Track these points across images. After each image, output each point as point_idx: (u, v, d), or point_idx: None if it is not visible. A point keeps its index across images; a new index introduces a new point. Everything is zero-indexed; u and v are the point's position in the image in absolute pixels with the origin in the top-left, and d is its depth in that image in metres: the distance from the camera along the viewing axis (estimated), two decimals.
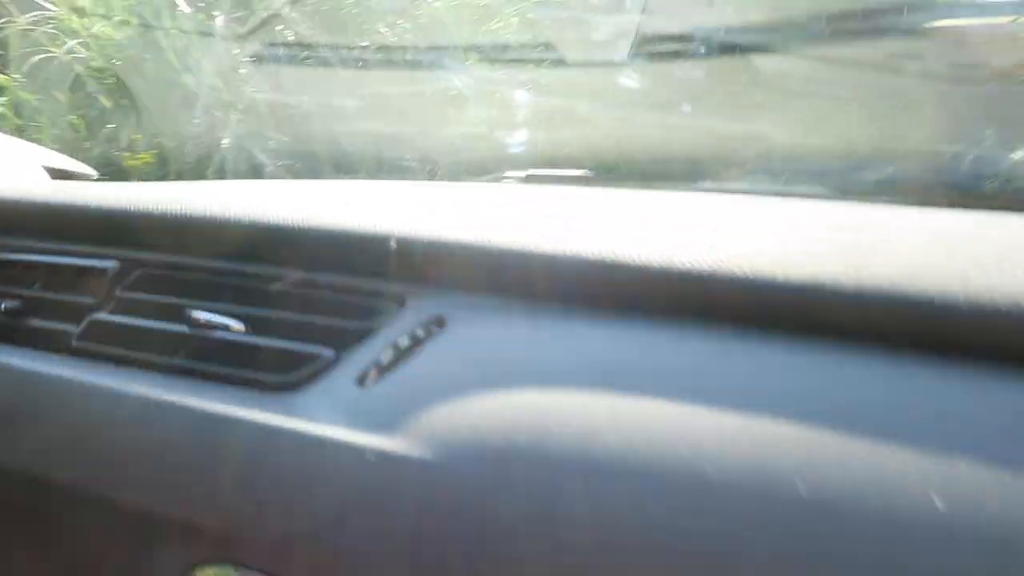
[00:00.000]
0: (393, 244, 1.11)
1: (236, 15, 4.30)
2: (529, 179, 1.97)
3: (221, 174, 3.97)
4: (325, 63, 3.86)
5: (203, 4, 4.39)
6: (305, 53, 3.90)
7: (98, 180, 2.01)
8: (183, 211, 1.31)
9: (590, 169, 1.97)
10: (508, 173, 2.03)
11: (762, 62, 3.98)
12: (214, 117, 4.14)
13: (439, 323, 1.05)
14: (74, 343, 1.33)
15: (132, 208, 1.37)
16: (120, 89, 4.38)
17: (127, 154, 4.21)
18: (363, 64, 3.83)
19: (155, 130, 4.28)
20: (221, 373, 1.16)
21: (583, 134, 3.67)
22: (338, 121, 3.97)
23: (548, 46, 3.48)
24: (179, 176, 3.95)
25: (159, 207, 1.34)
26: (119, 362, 1.26)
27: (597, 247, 1.00)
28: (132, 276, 1.35)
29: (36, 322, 1.42)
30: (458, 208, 1.44)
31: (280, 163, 3.85)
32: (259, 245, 1.24)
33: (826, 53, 3.96)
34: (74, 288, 1.41)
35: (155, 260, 1.35)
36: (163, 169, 4.01)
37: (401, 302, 1.10)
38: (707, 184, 2.07)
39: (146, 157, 4.06)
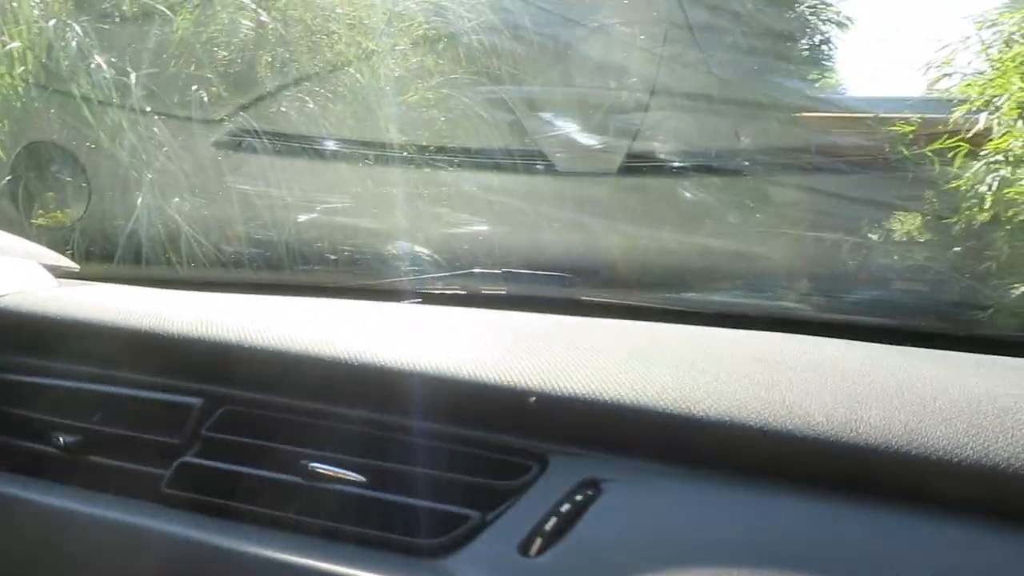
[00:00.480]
0: (534, 400, 1.06)
1: (200, 100, 4.17)
2: (505, 276, 1.96)
3: (178, 260, 3.70)
4: (305, 155, 3.82)
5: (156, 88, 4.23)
6: (281, 144, 3.82)
7: (113, 280, 1.85)
8: (285, 347, 1.21)
9: (571, 272, 1.96)
10: (479, 269, 2.05)
11: (744, 184, 4.29)
12: (166, 201, 3.94)
13: (593, 486, 1.01)
14: (164, 489, 1.20)
15: (218, 339, 1.25)
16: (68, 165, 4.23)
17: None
18: (343, 158, 3.79)
19: (101, 212, 3.98)
20: (349, 532, 1.06)
21: (567, 238, 3.72)
22: (313, 215, 3.88)
23: (540, 155, 3.59)
24: (127, 260, 3.65)
25: (253, 340, 1.23)
26: (219, 513, 1.15)
27: (750, 411, 0.99)
28: (217, 414, 1.24)
29: (102, 460, 1.27)
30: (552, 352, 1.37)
31: (242, 252, 3.71)
32: (373, 390, 1.16)
33: (811, 181, 4.28)
34: (148, 424, 1.27)
35: (244, 398, 1.24)
36: (109, 253, 3.67)
37: (543, 461, 1.05)
38: (689, 297, 2.09)
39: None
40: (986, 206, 5.14)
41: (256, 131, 3.76)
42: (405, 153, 3.76)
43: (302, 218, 3.80)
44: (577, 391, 1.07)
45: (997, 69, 4.89)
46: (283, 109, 4.15)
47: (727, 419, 1.00)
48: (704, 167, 3.67)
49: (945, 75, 5.96)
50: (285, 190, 3.85)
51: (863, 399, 1.02)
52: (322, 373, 1.19)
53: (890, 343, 1.44)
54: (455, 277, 2.13)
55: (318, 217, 3.82)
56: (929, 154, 6.11)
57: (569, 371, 1.11)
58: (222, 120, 4.01)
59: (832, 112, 8.87)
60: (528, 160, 3.65)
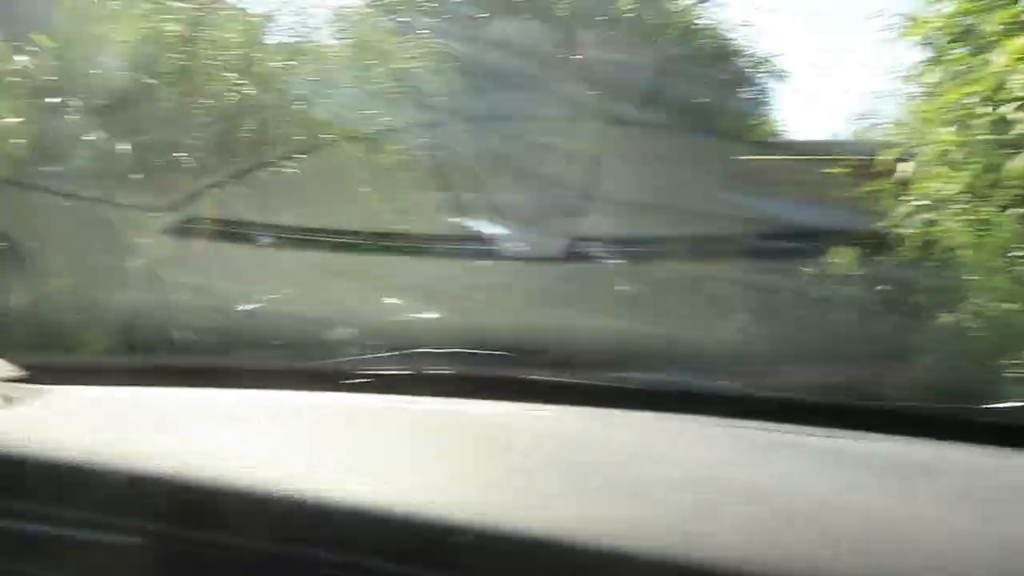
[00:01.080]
0: (474, 539, 1.09)
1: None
2: (453, 357, 1.96)
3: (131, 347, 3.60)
4: (253, 242, 3.76)
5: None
6: (228, 231, 3.72)
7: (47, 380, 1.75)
8: (207, 484, 1.18)
9: (516, 352, 1.98)
10: (428, 349, 2.04)
11: (684, 268, 4.22)
12: (111, 287, 3.99)
13: None
14: None
15: (149, 473, 1.22)
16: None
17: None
18: (288, 243, 3.76)
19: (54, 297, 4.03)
20: None
21: (513, 320, 3.68)
22: (260, 300, 3.87)
23: (482, 238, 3.71)
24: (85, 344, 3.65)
25: (190, 477, 1.20)
26: None
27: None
28: (158, 555, 1.21)
29: None
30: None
31: (190, 338, 3.52)
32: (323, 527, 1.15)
33: (754, 265, 4.43)
34: (83, 567, 1.25)
35: (184, 537, 1.21)
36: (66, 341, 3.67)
37: None
38: (633, 377, 2.04)
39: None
40: (914, 245, 5.54)
41: (204, 218, 3.72)
42: (352, 239, 3.76)
43: (249, 303, 3.79)
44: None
45: (919, 119, 5.29)
46: (231, 197, 4.15)
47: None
48: (645, 253, 3.78)
49: (875, 124, 6.42)
50: (232, 276, 3.85)
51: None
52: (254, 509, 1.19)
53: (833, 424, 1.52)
54: (403, 357, 2.05)
55: (265, 303, 3.81)
56: (862, 195, 6.56)
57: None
58: (169, 208, 3.98)
59: (775, 155, 9.37)
60: (473, 245, 3.75)
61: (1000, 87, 3.98)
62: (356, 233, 3.89)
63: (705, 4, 7.46)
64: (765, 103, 8.75)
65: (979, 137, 4.24)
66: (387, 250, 3.74)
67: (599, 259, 3.76)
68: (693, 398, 1.75)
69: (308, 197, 4.39)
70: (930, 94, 5.29)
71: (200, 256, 3.90)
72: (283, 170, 4.47)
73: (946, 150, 4.64)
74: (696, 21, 7.15)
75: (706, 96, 6.86)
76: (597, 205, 4.74)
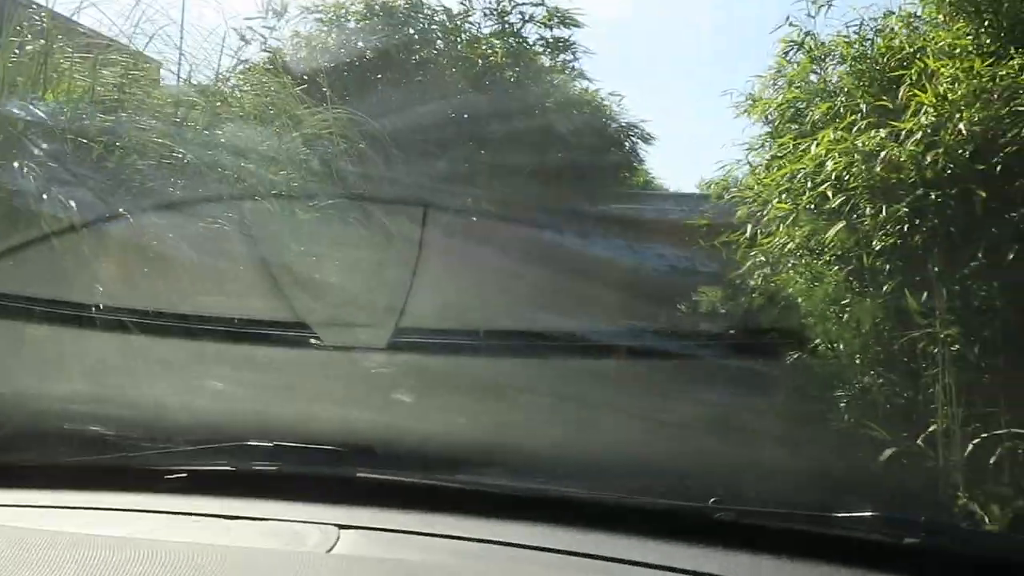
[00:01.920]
0: None
1: None
2: (276, 449, 1.91)
3: None
4: (48, 320, 3.39)
5: None
6: (17, 307, 3.33)
7: None
8: None
9: (340, 446, 1.94)
10: (253, 442, 1.95)
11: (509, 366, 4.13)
12: None
13: None
14: None
15: None
16: None
17: None
18: (91, 324, 3.38)
19: None
20: None
21: (334, 412, 3.60)
22: (57, 386, 3.49)
23: (305, 326, 3.48)
24: None
25: None
26: None
27: None
28: None
29: None
30: None
31: None
32: None
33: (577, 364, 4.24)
34: None
35: None
36: None
37: None
38: (459, 477, 2.03)
39: None
40: (754, 298, 6.41)
41: None
42: (164, 322, 3.48)
43: (41, 390, 3.37)
44: None
45: (761, 186, 6.14)
46: (21, 269, 3.75)
47: None
48: (473, 345, 3.73)
49: (725, 188, 7.30)
50: (21, 360, 3.52)
51: None
52: None
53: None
54: (223, 451, 1.96)
55: (63, 389, 3.40)
56: (718, 246, 7.43)
57: None
58: None
59: (643, 208, 10.22)
60: (293, 332, 3.52)
61: (820, 167, 4.83)
62: (166, 315, 3.61)
63: (581, 80, 8.36)
64: (634, 163, 9.65)
65: (805, 207, 5.08)
66: (200, 334, 3.49)
67: (426, 350, 3.62)
68: (521, 502, 1.73)
69: (114, 273, 4.02)
70: (768, 166, 6.13)
71: None
72: (85, 241, 4.01)
73: (783, 215, 5.48)
74: (573, 95, 7.97)
75: (583, 158, 7.62)
76: (425, 293, 4.48)
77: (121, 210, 4.04)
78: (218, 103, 4.83)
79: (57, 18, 5.46)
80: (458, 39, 7.70)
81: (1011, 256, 4.05)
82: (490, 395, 4.22)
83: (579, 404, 4.35)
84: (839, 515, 1.62)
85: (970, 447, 4.14)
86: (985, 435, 4.10)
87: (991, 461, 4.10)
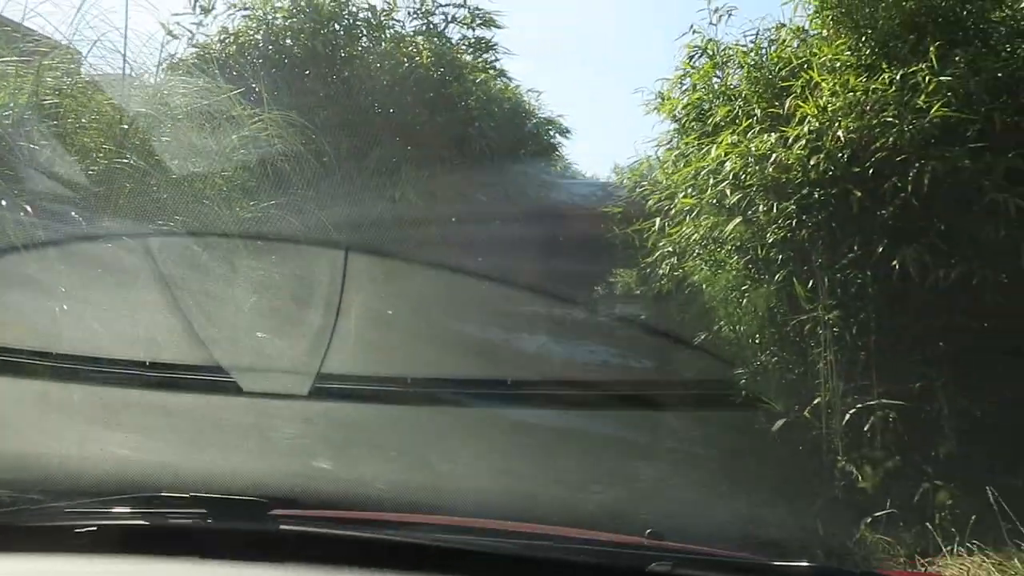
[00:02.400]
0: None
1: None
2: (194, 500, 1.83)
3: None
4: None
5: None
6: None
7: None
8: None
9: (261, 496, 1.87)
10: (168, 494, 1.88)
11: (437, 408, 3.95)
12: None
13: None
14: None
15: None
16: None
17: None
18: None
19: None
20: None
21: (258, 462, 3.51)
22: None
23: (222, 370, 3.27)
24: None
25: None
26: None
27: None
28: None
29: None
30: None
31: None
32: None
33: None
34: None
35: None
36: None
37: None
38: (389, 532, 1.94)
39: None
40: (666, 284, 6.93)
41: None
42: (67, 365, 3.27)
43: None
44: None
45: (669, 181, 6.64)
46: None
47: None
48: (398, 393, 3.57)
49: (638, 180, 7.78)
50: None
51: None
52: None
53: None
54: (138, 503, 1.86)
55: None
56: (632, 234, 7.93)
57: None
58: None
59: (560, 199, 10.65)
60: (210, 378, 3.33)
61: (720, 167, 5.34)
62: (68, 357, 3.39)
63: (503, 78, 8.76)
64: (553, 153, 10.11)
65: (708, 202, 5.59)
66: (112, 379, 3.29)
67: (351, 398, 3.46)
68: (449, 554, 1.71)
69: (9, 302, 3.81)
70: (675, 162, 6.63)
71: None
72: None
73: (688, 208, 5.99)
74: (495, 92, 8.36)
75: (503, 149, 8.02)
76: (346, 341, 4.40)
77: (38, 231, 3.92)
78: (159, 107, 4.99)
79: (4, 22, 5.57)
80: (382, 36, 7.99)
81: (880, 249, 4.62)
82: (414, 444, 4.15)
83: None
84: (776, 564, 1.72)
85: (847, 416, 4.73)
86: (860, 406, 4.69)
87: (865, 428, 4.69)
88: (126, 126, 4.82)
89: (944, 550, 3.88)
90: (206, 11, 7.30)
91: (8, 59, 4.88)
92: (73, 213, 4.40)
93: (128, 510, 1.84)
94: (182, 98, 5.32)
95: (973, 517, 3.83)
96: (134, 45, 5.89)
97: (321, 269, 4.85)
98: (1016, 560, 3.66)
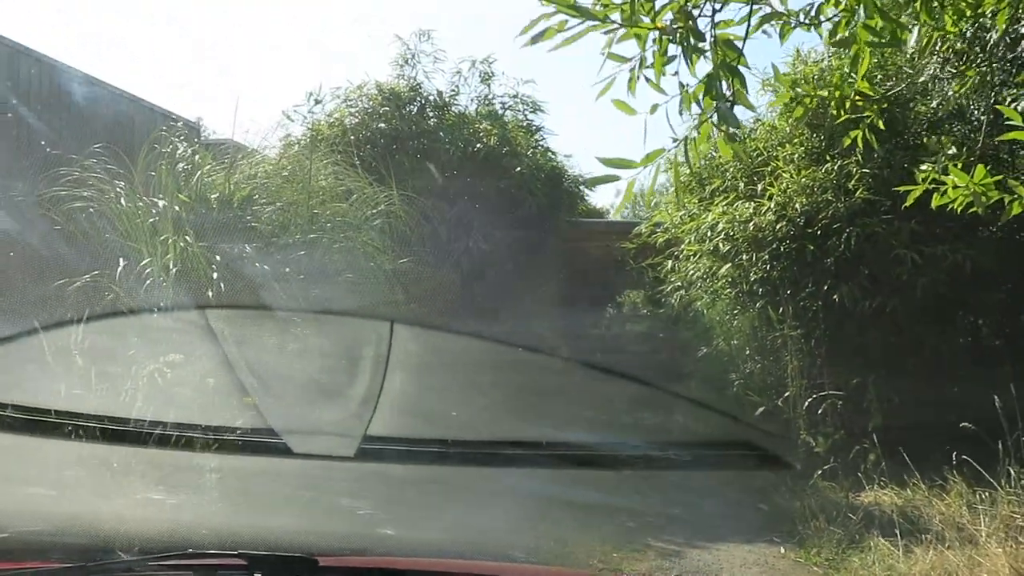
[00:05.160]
0: None
1: None
2: (243, 557, 1.88)
3: None
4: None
5: None
6: None
7: None
8: None
9: (311, 552, 1.90)
10: (219, 551, 1.95)
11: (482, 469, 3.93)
12: None
13: None
14: None
15: None
16: None
17: None
18: (44, 429, 3.19)
19: None
20: None
21: (303, 519, 3.62)
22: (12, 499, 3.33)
23: (271, 432, 3.25)
24: None
25: None
26: None
27: None
28: None
29: None
30: None
31: None
32: None
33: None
34: None
35: None
36: None
37: None
38: None
39: None
40: (675, 309, 8.98)
41: None
42: (128, 428, 3.32)
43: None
44: None
45: (677, 231, 8.65)
46: None
47: None
48: (443, 454, 3.52)
49: (653, 228, 9.83)
50: None
51: None
52: None
53: None
54: (192, 559, 1.94)
55: (20, 502, 3.29)
56: (646, 267, 9.94)
57: None
58: None
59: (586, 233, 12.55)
60: (262, 441, 3.31)
61: (714, 227, 7.41)
62: (124, 420, 3.45)
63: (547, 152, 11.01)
64: (580, 203, 12.18)
65: (706, 250, 7.66)
66: (160, 440, 3.27)
67: (397, 459, 3.42)
68: None
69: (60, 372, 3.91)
70: (682, 217, 8.68)
71: None
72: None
73: (692, 252, 8.06)
74: (540, 160, 10.54)
75: (544, 201, 10.13)
76: (392, 401, 4.34)
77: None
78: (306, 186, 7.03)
79: (190, 127, 7.66)
80: (447, 115, 10.12)
81: (826, 287, 6.70)
82: (462, 504, 4.19)
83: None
84: None
85: (807, 403, 6.75)
86: (814, 396, 6.71)
87: (819, 411, 6.71)
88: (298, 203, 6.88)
89: (867, 488, 5.89)
90: (317, 101, 9.48)
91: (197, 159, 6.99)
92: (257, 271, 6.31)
93: (183, 566, 1.87)
94: (324, 180, 7.38)
95: (886, 467, 5.81)
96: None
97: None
98: (909, 490, 5.66)
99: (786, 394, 7.03)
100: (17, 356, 4.26)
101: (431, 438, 3.73)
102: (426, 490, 4.22)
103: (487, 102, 10.49)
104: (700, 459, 6.69)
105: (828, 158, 6.89)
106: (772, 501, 6.09)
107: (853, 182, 6.59)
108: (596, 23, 2.90)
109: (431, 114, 10.05)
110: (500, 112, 10.44)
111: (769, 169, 7.17)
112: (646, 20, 2.99)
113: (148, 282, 5.54)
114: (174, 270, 5.56)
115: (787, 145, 7.20)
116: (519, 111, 10.63)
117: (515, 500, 4.50)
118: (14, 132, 7.60)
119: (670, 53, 3.06)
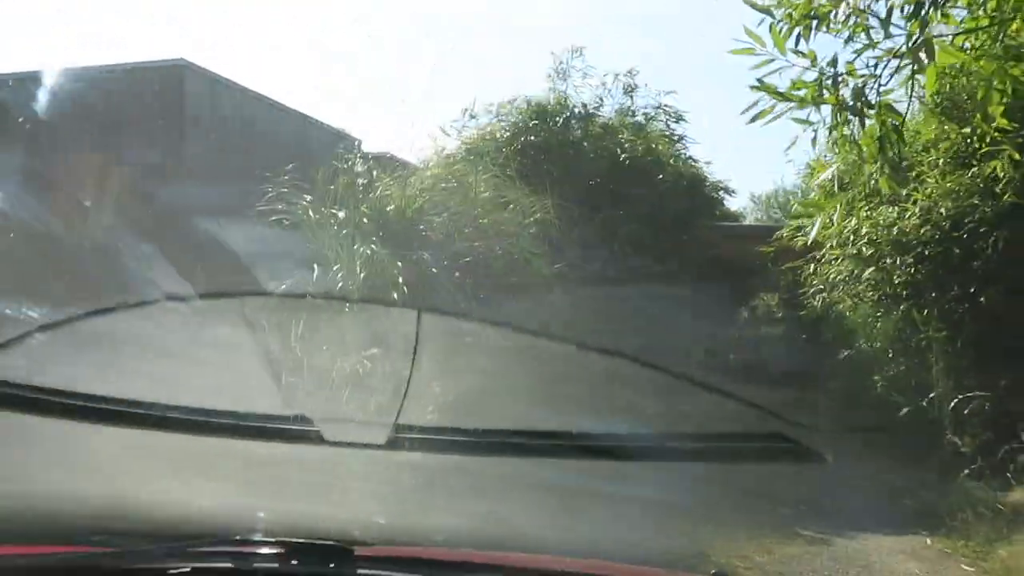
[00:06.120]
0: None
1: None
2: (279, 545, 1.87)
3: None
4: (46, 409, 3.02)
5: None
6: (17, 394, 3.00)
7: None
8: None
9: (345, 541, 1.91)
10: (255, 538, 1.94)
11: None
12: None
13: None
14: None
15: None
16: None
17: None
18: (90, 414, 3.06)
19: None
20: None
21: (337, 509, 3.65)
22: (44, 482, 3.53)
23: (304, 419, 3.12)
24: None
25: None
26: None
27: None
28: None
29: None
30: None
31: None
32: None
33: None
34: None
35: None
36: None
37: None
38: None
39: None
40: (817, 311, 9.15)
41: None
42: (158, 413, 3.18)
43: (36, 483, 3.43)
44: None
45: (819, 236, 8.81)
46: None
47: None
48: (473, 443, 3.39)
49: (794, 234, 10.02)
50: (21, 452, 3.46)
51: None
52: None
53: None
54: (228, 546, 1.91)
55: (51, 486, 3.39)
56: (786, 270, 10.13)
57: None
58: None
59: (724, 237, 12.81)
60: (294, 427, 3.14)
61: (857, 231, 7.60)
62: (167, 406, 3.23)
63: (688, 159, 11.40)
64: (718, 208, 12.48)
65: (848, 254, 7.86)
66: (199, 427, 3.14)
67: (429, 448, 3.31)
68: None
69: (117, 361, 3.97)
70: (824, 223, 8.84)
71: None
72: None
73: (834, 257, 8.26)
74: (682, 167, 10.92)
75: (683, 207, 10.53)
76: (421, 389, 4.40)
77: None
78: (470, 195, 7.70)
79: (354, 142, 8.49)
80: (591, 126, 10.65)
81: (972, 289, 6.80)
82: (491, 495, 4.02)
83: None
84: None
85: (952, 404, 6.86)
86: (960, 397, 6.81)
87: (965, 412, 6.80)
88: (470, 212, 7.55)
89: (1015, 488, 5.99)
90: (472, 116, 10.24)
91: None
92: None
93: (219, 553, 1.89)
94: (485, 191, 8.02)
95: None
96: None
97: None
98: None
99: (931, 395, 7.14)
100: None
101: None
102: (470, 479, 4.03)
103: (630, 113, 10.96)
104: (843, 455, 6.96)
105: (974, 162, 6.98)
106: (917, 497, 6.24)
107: (1000, 186, 6.67)
108: (793, 104, 3.88)
109: (576, 125, 10.58)
110: (643, 122, 10.87)
111: (914, 174, 7.31)
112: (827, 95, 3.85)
113: (339, 285, 6.29)
114: (362, 275, 6.29)
115: (931, 150, 7.31)
116: (662, 121, 11.06)
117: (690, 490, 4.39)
118: (216, 154, 8.64)
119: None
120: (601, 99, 10.98)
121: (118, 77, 8.71)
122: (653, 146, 10.48)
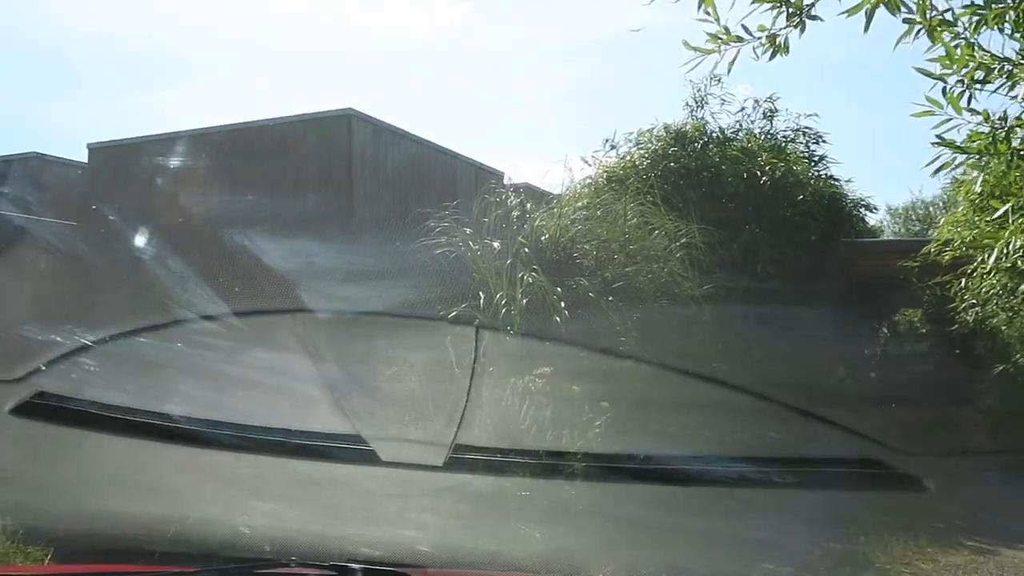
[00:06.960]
0: None
1: None
2: (333, 568, 1.84)
3: None
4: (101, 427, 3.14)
5: None
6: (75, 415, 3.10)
7: None
8: None
9: (397, 563, 1.89)
10: (309, 561, 1.93)
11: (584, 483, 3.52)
12: None
13: None
14: None
15: None
16: None
17: None
18: (146, 432, 3.11)
19: None
20: None
21: (393, 528, 3.60)
22: (106, 499, 3.49)
23: (360, 439, 3.11)
24: None
25: None
26: None
27: None
28: None
29: None
30: None
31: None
32: None
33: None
34: None
35: None
36: None
37: None
38: None
39: None
40: (969, 326, 9.01)
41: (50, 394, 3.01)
42: (221, 432, 3.21)
43: (100, 499, 3.37)
44: None
45: (969, 249, 8.70)
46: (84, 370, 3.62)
47: None
48: (535, 465, 3.36)
49: (940, 248, 9.91)
50: (78, 467, 3.45)
51: None
52: None
53: None
54: (282, 567, 1.90)
55: (127, 504, 3.37)
56: (934, 286, 9.99)
57: None
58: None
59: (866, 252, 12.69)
60: (351, 448, 3.13)
61: (1008, 244, 7.52)
62: (221, 425, 3.29)
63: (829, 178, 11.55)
64: (859, 225, 12.45)
65: (1005, 266, 7.78)
66: (256, 447, 3.16)
67: (488, 470, 3.23)
68: None
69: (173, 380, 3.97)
70: (974, 236, 8.77)
71: (48, 447, 3.43)
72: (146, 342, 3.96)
73: (986, 271, 8.18)
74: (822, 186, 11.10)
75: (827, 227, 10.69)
76: (480, 412, 4.43)
77: None
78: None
79: (497, 175, 9.05)
80: (728, 150, 10.90)
81: None
82: (553, 520, 4.05)
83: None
84: None
85: None
86: None
87: None
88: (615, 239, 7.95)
89: None
90: (613, 147, 10.73)
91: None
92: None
93: (279, 575, 1.85)
94: (632, 218, 8.41)
95: None
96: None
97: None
98: None
99: None
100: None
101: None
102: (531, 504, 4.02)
103: (769, 137, 11.15)
104: (994, 468, 6.88)
105: None
106: None
107: None
108: (969, 156, 4.67)
109: (714, 150, 10.84)
110: (782, 145, 11.05)
111: None
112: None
113: (503, 311, 6.79)
114: (524, 301, 6.77)
115: None
116: (801, 143, 11.21)
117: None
118: (381, 194, 9.44)
119: None
120: (740, 123, 11.26)
121: (303, 126, 9.70)
122: (793, 167, 10.61)
